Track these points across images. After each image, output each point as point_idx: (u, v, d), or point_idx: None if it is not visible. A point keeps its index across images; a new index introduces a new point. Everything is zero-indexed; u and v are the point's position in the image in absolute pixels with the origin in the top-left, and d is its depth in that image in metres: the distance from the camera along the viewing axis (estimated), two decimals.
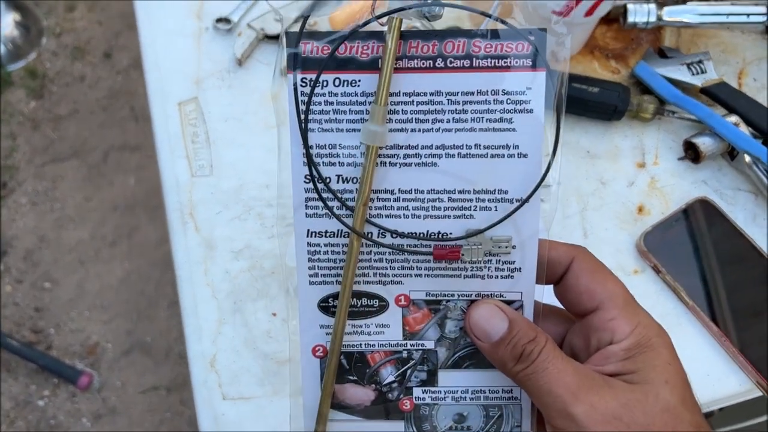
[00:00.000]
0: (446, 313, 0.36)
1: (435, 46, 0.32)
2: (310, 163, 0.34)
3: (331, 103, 0.33)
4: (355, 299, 0.36)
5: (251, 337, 0.53)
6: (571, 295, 0.34)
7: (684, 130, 0.61)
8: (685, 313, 0.54)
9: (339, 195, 0.34)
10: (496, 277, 0.35)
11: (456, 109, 0.33)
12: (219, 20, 0.66)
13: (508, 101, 0.32)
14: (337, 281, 0.36)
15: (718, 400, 0.52)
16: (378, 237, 0.35)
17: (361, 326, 0.37)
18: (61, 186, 1.63)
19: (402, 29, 0.32)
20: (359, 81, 0.33)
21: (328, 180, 0.34)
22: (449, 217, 0.34)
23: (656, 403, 0.30)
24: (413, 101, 0.33)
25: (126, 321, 1.50)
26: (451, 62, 0.32)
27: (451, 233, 0.34)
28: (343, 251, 0.35)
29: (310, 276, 0.36)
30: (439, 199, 0.34)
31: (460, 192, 0.34)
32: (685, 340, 0.53)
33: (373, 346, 0.37)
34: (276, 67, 0.34)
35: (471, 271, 0.35)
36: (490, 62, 0.32)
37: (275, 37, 0.65)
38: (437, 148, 0.33)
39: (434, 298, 0.36)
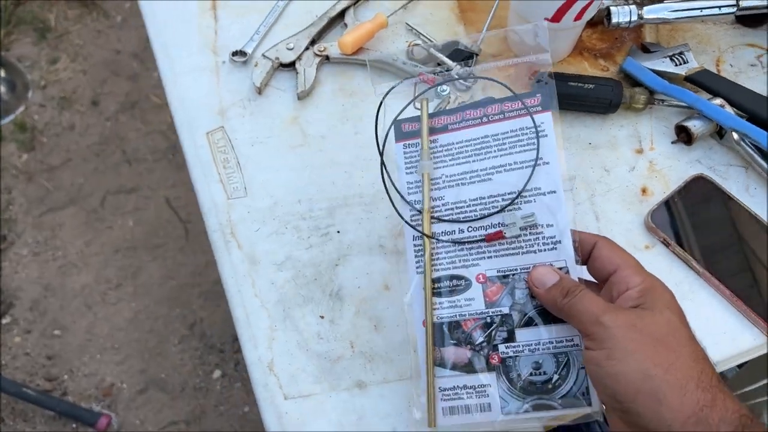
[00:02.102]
0: (514, 284, 0.48)
1: (480, 111, 0.51)
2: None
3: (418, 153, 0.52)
4: (448, 281, 0.49)
5: (303, 339, 0.57)
6: (597, 264, 0.46)
7: (674, 116, 0.67)
8: (696, 280, 0.59)
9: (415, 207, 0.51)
10: (544, 250, 0.48)
11: (499, 145, 0.50)
12: (235, 53, 0.70)
13: (531, 132, 0.49)
14: (435, 269, 0.50)
15: (736, 355, 0.56)
16: (449, 235, 0.50)
17: (454, 301, 0.49)
18: (61, 234, 1.65)
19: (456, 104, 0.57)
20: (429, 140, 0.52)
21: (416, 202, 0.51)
22: (505, 210, 0.49)
23: (661, 318, 0.41)
24: (471, 144, 0.51)
25: (138, 360, 1.51)
26: (491, 118, 0.51)
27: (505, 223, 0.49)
28: (440, 248, 0.50)
29: (417, 267, 0.50)
30: (495, 201, 0.49)
31: (509, 194, 0.49)
32: (700, 305, 0.58)
33: (465, 315, 0.49)
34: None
35: (525, 249, 0.48)
36: (516, 113, 0.50)
37: (289, 65, 0.69)
38: (491, 168, 0.50)
39: (503, 273, 0.49)
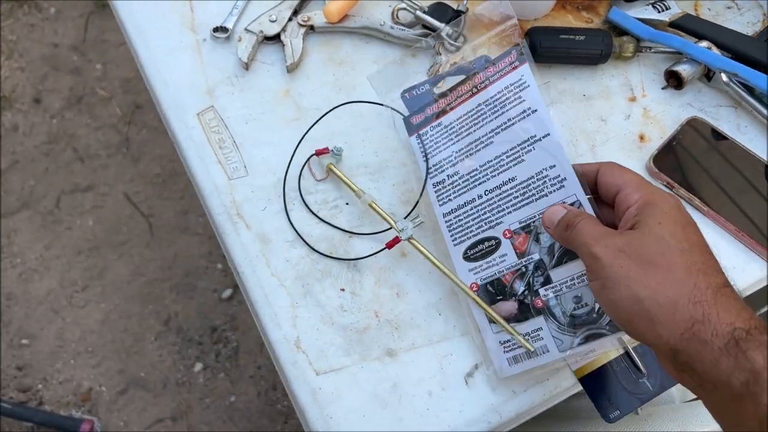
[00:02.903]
0: (536, 231, 0.51)
1: (469, 84, 0.57)
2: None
3: (429, 139, 0.59)
4: (480, 245, 0.54)
5: (326, 314, 0.56)
6: (602, 190, 0.48)
7: (661, 63, 0.68)
8: (702, 219, 0.60)
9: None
10: (553, 191, 0.50)
11: (491, 109, 0.55)
12: (216, 29, 0.68)
13: (515, 87, 0.53)
14: (467, 237, 0.55)
15: (748, 287, 0.58)
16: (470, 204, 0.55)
17: (490, 261, 0.53)
18: (17, 239, 1.58)
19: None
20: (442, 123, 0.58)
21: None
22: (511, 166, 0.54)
23: (649, 236, 0.41)
24: (469, 116, 0.56)
25: (115, 361, 1.47)
26: (480, 87, 0.56)
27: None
28: (465, 218, 0.55)
29: (452, 239, 0.55)
30: (501, 159, 0.54)
31: (511, 150, 0.54)
32: (709, 242, 0.59)
33: (503, 271, 0.52)
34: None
35: (537, 195, 0.51)
36: (498, 75, 0.55)
37: (274, 38, 0.67)
38: (490, 132, 0.55)
39: (525, 224, 0.52)
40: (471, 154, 0.56)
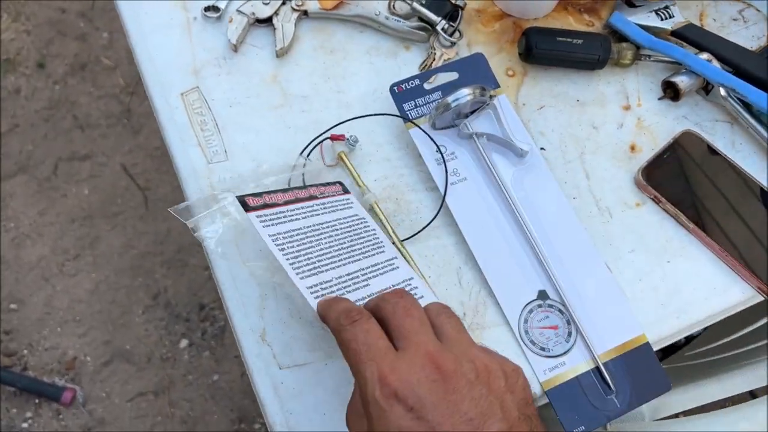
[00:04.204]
0: None
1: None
2: None
3: None
4: None
5: (295, 308, 0.55)
6: None
7: (660, 72, 0.66)
8: (687, 236, 0.59)
9: None
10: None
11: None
12: (207, 9, 0.66)
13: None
14: None
15: (726, 309, 0.57)
16: None
17: None
18: (12, 204, 1.58)
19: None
20: None
21: None
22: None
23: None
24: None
25: (101, 332, 1.47)
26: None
27: None
28: None
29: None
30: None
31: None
32: (690, 260, 0.58)
33: None
34: None
35: None
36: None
37: (266, 21, 0.66)
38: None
39: None
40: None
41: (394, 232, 0.57)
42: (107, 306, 1.49)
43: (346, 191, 0.56)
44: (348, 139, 0.60)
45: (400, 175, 0.61)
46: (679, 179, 0.61)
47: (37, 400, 1.40)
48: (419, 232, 0.58)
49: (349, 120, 0.62)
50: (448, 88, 0.60)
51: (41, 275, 1.51)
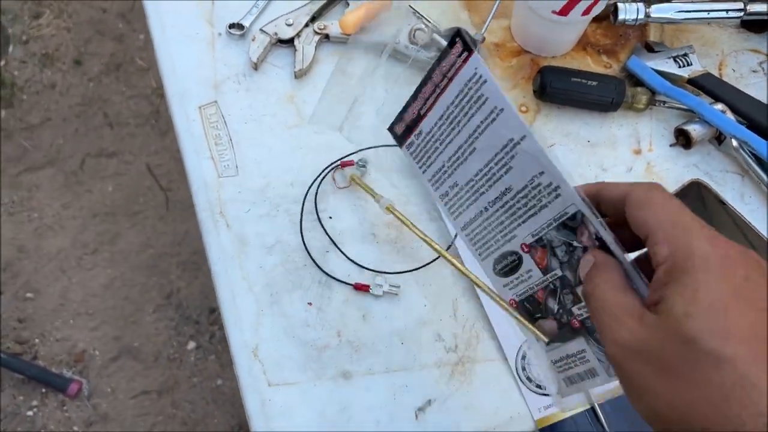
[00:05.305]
0: (551, 244, 0.43)
1: (431, 85, 0.45)
2: None
3: (417, 149, 0.49)
4: (504, 260, 0.47)
5: (290, 326, 0.56)
6: (631, 226, 0.34)
7: (674, 119, 0.66)
8: None
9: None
10: (551, 200, 0.41)
11: (460, 110, 0.44)
12: (232, 26, 0.68)
13: (473, 83, 0.42)
14: (491, 251, 0.47)
15: None
16: (481, 216, 0.47)
17: (519, 277, 0.46)
18: (38, 195, 1.62)
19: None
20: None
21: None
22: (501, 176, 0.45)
23: (672, 333, 0.29)
24: (442, 120, 0.46)
25: (112, 327, 1.50)
26: (441, 86, 0.44)
27: None
28: (482, 230, 0.48)
29: (478, 254, 0.48)
30: (490, 167, 0.45)
31: (495, 155, 0.44)
32: None
33: (533, 288, 0.45)
34: None
35: (537, 205, 0.42)
36: (453, 69, 0.43)
37: (288, 42, 0.67)
38: (469, 138, 0.45)
39: (538, 236, 0.44)
40: (461, 164, 0.47)
41: (425, 235, 0.58)
42: (120, 302, 1.52)
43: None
44: (357, 162, 0.62)
45: (406, 203, 0.61)
46: None
47: (43, 390, 1.42)
48: (430, 263, 0.58)
49: (361, 150, 0.63)
50: None
51: (59, 267, 1.54)
